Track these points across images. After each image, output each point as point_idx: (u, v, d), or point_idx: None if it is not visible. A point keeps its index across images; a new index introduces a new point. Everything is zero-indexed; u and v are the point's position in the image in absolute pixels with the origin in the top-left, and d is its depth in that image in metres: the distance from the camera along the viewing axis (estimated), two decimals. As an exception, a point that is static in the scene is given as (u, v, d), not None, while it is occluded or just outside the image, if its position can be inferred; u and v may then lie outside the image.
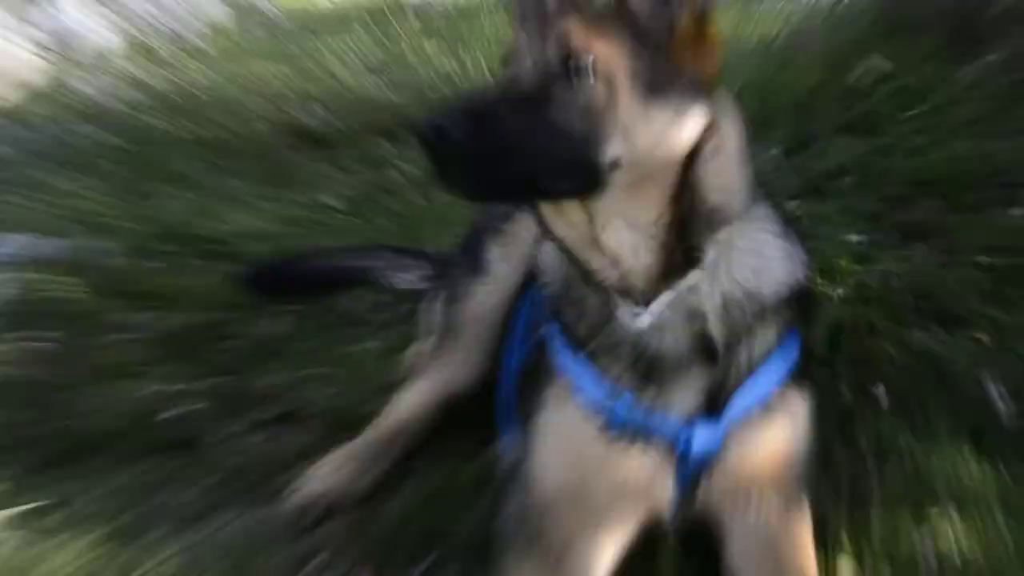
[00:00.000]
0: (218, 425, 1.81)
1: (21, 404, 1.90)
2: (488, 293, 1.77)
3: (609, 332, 1.30)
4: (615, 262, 1.22)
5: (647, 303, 1.24)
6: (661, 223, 1.21)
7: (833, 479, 1.55)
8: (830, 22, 2.97)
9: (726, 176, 1.25)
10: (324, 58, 4.16)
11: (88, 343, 2.09)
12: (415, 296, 2.05)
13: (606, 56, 1.19)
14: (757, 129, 2.28)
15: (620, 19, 1.22)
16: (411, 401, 1.76)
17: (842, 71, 2.63)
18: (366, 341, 2.05)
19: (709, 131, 1.22)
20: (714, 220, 1.23)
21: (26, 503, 1.69)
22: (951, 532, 1.48)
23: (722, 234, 1.24)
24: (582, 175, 1.19)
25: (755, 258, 1.29)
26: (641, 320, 1.25)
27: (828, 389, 1.72)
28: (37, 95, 4.29)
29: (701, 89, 1.23)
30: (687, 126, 1.21)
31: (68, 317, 2.20)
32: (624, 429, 1.31)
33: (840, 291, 2.01)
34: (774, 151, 2.51)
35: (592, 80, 1.18)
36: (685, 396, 1.29)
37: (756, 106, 2.62)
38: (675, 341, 1.27)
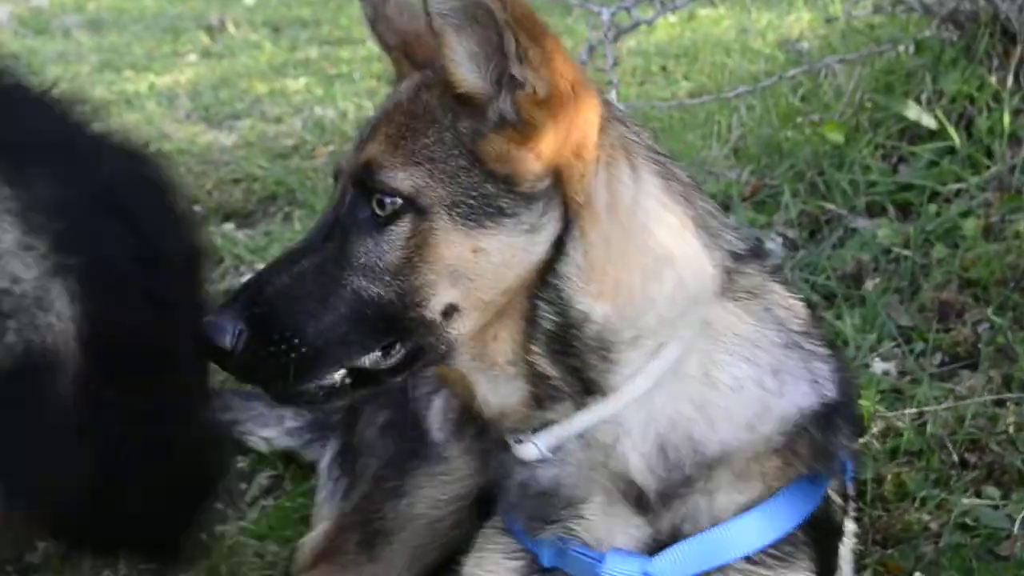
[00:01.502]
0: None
1: None
2: (442, 485, 1.43)
3: (502, 461, 1.20)
4: (486, 402, 1.13)
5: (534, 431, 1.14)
6: (526, 352, 1.10)
7: None
8: (864, 40, 2.46)
9: (611, 271, 1.09)
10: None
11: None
12: (282, 459, 1.81)
13: (412, 185, 1.05)
14: (751, 208, 2.28)
15: (431, 122, 1.08)
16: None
17: (870, 124, 2.21)
18: (226, 523, 1.70)
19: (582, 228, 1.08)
20: (606, 339, 1.08)
21: None
22: None
23: (646, 355, 1.10)
24: (414, 340, 1.08)
25: (703, 389, 1.12)
26: (526, 449, 1.13)
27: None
28: None
29: (560, 167, 1.06)
30: (543, 234, 1.08)
31: None
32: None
33: (860, 440, 1.71)
34: (772, 240, 2.19)
35: (399, 219, 1.06)
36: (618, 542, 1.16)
37: (750, 174, 2.38)
38: (577, 478, 1.15)
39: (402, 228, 1.04)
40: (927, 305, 1.93)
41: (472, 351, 1.11)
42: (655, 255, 1.10)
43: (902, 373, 1.90)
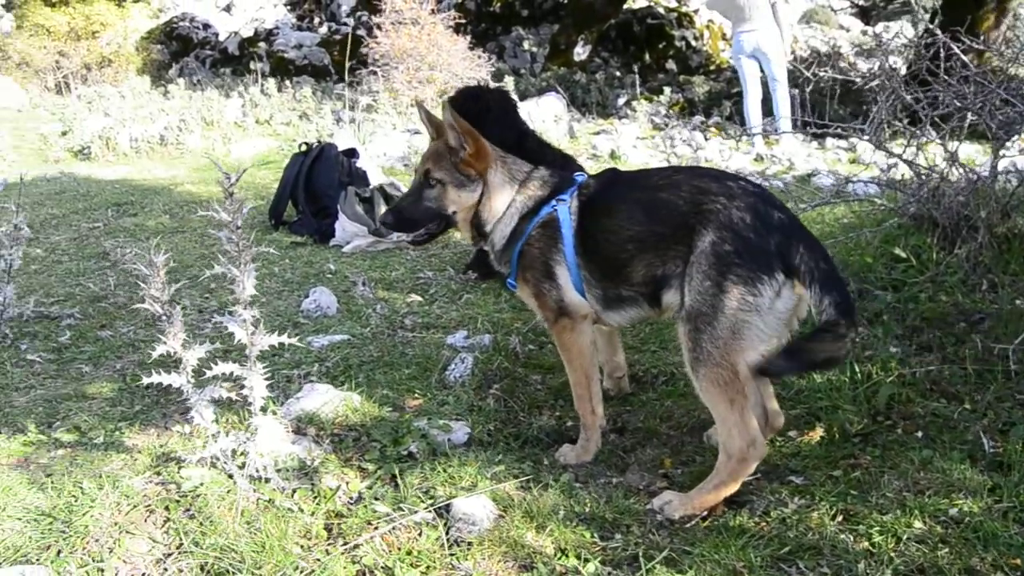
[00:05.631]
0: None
1: (499, 420, 3.51)
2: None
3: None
4: (465, 238, 3.33)
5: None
6: (472, 225, 3.22)
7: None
8: (875, 220, 4.92)
9: (491, 203, 3.18)
10: None
11: (515, 389, 3.78)
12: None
13: (440, 176, 3.15)
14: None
15: (445, 156, 3.15)
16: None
17: (883, 253, 4.45)
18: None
19: (483, 191, 3.15)
20: (484, 223, 3.20)
21: (515, 478, 2.93)
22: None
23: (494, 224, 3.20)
24: (443, 221, 3.25)
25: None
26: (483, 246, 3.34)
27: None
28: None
29: (480, 174, 3.13)
30: (477, 191, 3.15)
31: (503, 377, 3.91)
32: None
33: (888, 378, 3.36)
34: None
35: (436, 186, 3.17)
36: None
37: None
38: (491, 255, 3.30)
39: (438, 188, 3.13)
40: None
41: (461, 224, 3.21)
42: (500, 196, 3.14)
43: (902, 353, 4.15)
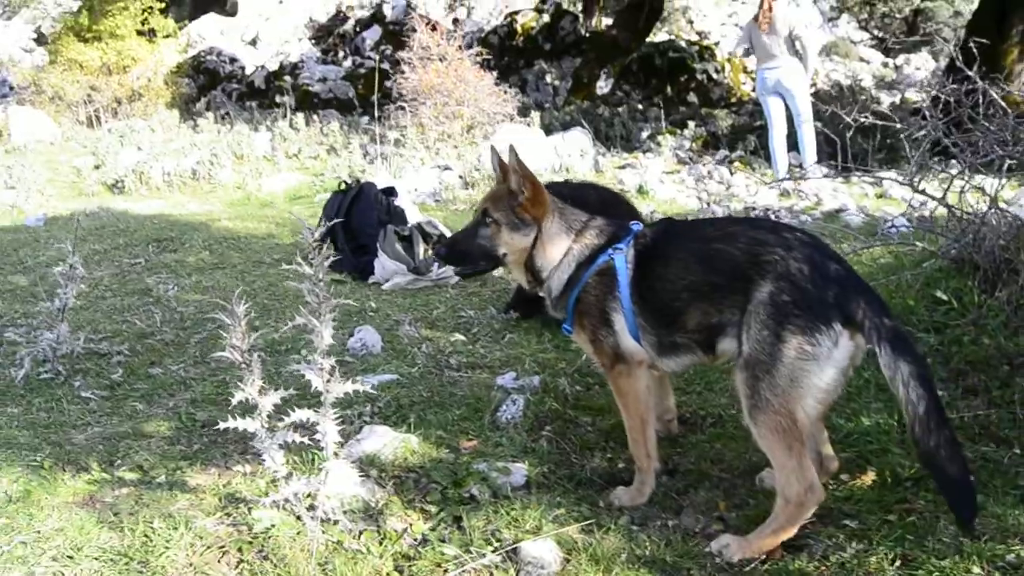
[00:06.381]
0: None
1: (553, 462, 3.56)
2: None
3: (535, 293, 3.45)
4: (516, 279, 3.45)
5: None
6: (526, 269, 3.29)
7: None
8: (914, 262, 5.00)
9: (546, 249, 3.25)
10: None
11: (566, 431, 3.84)
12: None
13: (496, 216, 3.23)
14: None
15: (504, 199, 3.23)
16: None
17: (924, 295, 4.48)
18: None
19: (538, 237, 3.22)
20: (539, 270, 3.28)
21: (575, 521, 3.01)
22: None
23: (551, 270, 3.27)
24: (494, 260, 3.35)
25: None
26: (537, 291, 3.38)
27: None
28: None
29: (535, 220, 3.21)
30: (531, 235, 3.22)
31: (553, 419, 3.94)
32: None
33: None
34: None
35: (492, 225, 3.25)
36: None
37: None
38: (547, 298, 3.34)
39: (493, 227, 3.21)
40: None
41: (513, 266, 3.31)
42: (556, 245, 3.21)
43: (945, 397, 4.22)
